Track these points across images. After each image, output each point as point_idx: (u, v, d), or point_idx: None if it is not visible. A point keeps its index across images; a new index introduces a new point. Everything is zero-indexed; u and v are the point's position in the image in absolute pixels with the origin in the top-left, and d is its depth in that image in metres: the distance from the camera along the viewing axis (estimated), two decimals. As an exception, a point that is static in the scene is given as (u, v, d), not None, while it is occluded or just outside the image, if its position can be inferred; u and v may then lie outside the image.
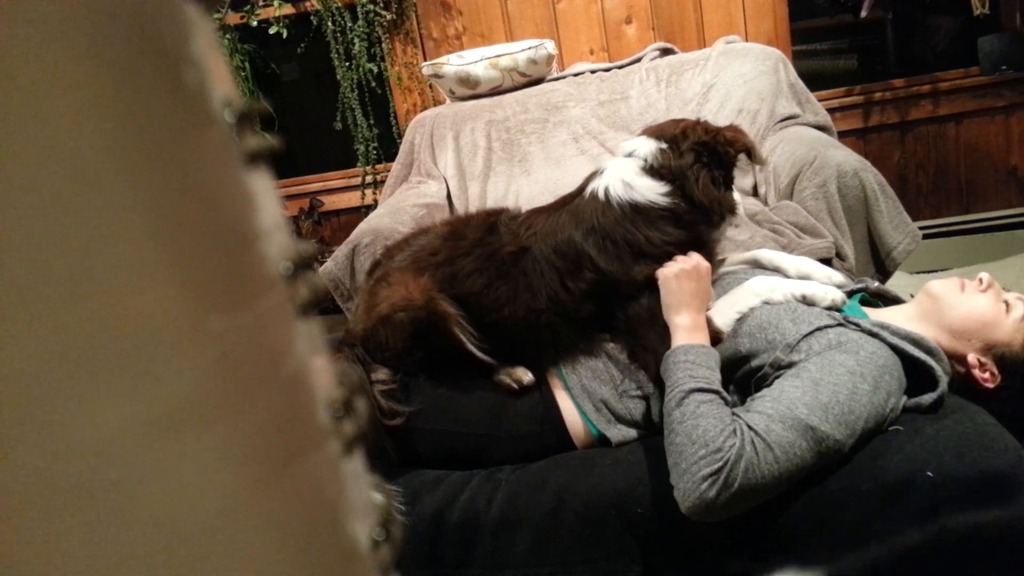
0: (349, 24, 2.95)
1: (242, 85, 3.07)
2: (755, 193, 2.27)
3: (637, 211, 1.27)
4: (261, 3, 3.02)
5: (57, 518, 0.17)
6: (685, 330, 1.19)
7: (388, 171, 2.76)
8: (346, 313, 2.01)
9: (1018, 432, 1.09)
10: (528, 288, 1.29)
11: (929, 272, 2.81)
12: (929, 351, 1.17)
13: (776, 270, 1.40)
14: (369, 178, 3.12)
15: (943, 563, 1.03)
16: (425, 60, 2.91)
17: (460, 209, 2.45)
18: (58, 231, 0.17)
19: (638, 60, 2.70)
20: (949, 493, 1.03)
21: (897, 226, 1.88)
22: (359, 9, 2.93)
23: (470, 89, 2.67)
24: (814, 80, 2.66)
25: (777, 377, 1.13)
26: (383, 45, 3.00)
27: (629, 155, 1.34)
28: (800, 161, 1.96)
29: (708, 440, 1.01)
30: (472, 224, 1.38)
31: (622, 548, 1.12)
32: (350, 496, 0.24)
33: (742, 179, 2.25)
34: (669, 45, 2.76)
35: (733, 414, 1.06)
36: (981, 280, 1.25)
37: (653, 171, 1.30)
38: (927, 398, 1.15)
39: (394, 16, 2.99)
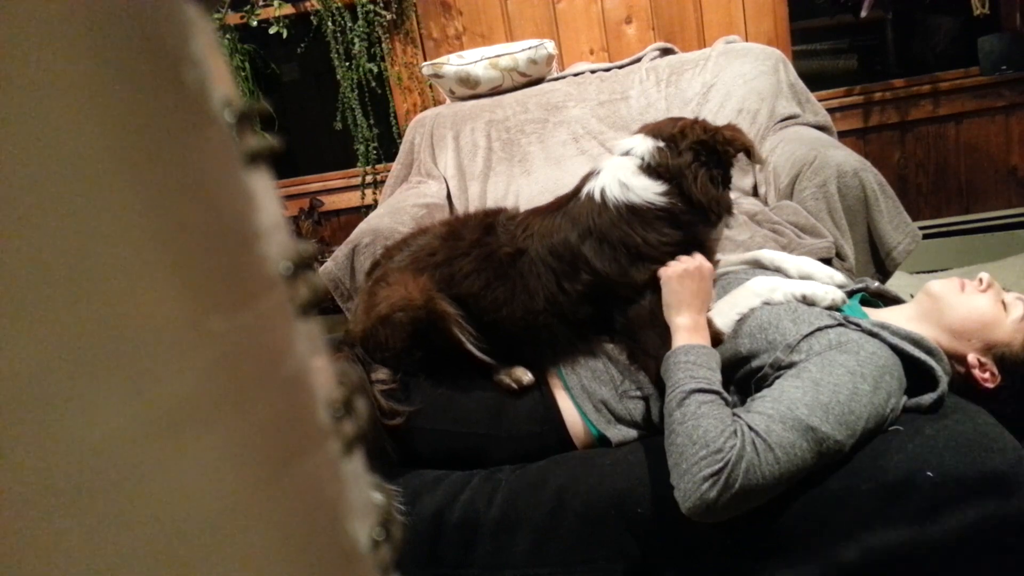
0: (349, 24, 2.95)
1: (242, 85, 3.07)
2: (755, 193, 2.27)
3: (633, 212, 1.27)
4: (261, 3, 3.02)
5: (57, 518, 0.17)
6: (686, 330, 1.18)
7: (388, 171, 2.76)
8: (346, 313, 2.02)
9: (1018, 432, 1.09)
10: (525, 289, 1.29)
11: (929, 272, 2.81)
12: (929, 351, 1.17)
13: (777, 270, 1.40)
14: (369, 178, 3.12)
15: (943, 563, 1.03)
16: (425, 60, 2.91)
17: (460, 209, 2.45)
18: (58, 231, 0.17)
19: (638, 60, 2.70)
20: (949, 493, 1.03)
21: (897, 226, 1.88)
22: (359, 9, 2.93)
23: (470, 89, 2.67)
24: (814, 80, 2.66)
25: (777, 377, 1.13)
26: (383, 45, 3.00)
27: (626, 153, 1.33)
28: (800, 161, 1.96)
29: (709, 441, 1.01)
30: (470, 225, 1.38)
31: (622, 548, 1.12)
32: (350, 496, 0.24)
33: (742, 179, 2.26)
34: (669, 45, 2.76)
35: (734, 415, 1.06)
36: (981, 280, 1.25)
37: (650, 170, 1.29)
38: (927, 398, 1.15)
39: (394, 16, 2.99)
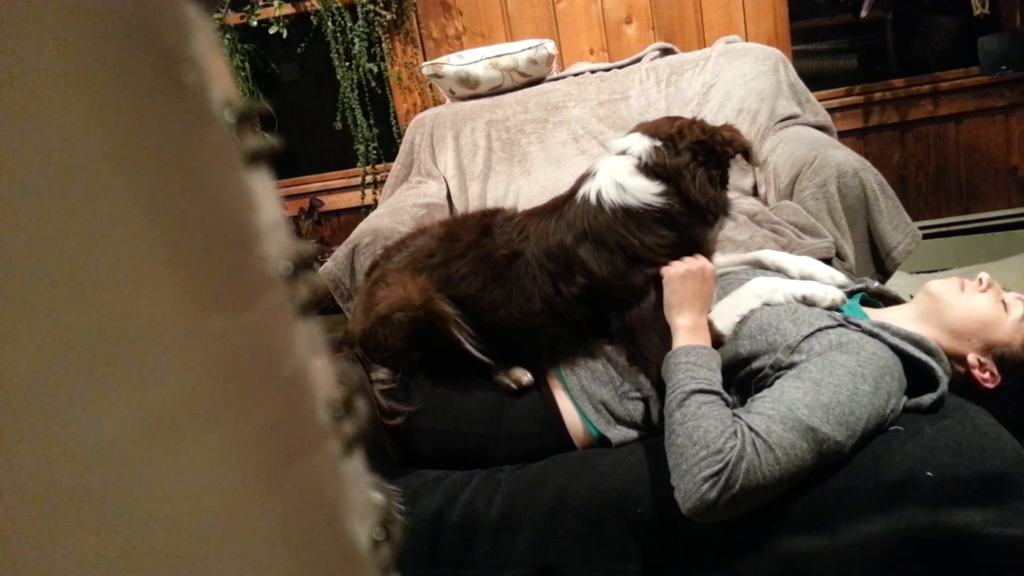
0: (349, 24, 2.95)
1: (242, 85, 3.07)
2: (755, 193, 2.27)
3: (629, 215, 1.26)
4: (261, 3, 3.02)
5: (57, 518, 0.17)
6: (686, 331, 1.18)
7: (388, 171, 2.76)
8: (346, 313, 2.02)
9: (1018, 432, 1.09)
10: (522, 291, 1.29)
11: (929, 272, 2.81)
12: (929, 351, 1.17)
13: (779, 271, 1.39)
14: (369, 178, 3.12)
15: (943, 563, 1.03)
16: (425, 60, 2.91)
17: (460, 209, 2.45)
18: (58, 231, 0.17)
19: (638, 60, 2.70)
20: (949, 493, 1.03)
21: (897, 226, 1.88)
22: (359, 9, 2.93)
23: (470, 89, 2.67)
24: (814, 80, 2.66)
25: (778, 378, 1.13)
26: (383, 45, 3.00)
27: (622, 153, 1.33)
28: (800, 161, 1.96)
29: (709, 441, 1.01)
30: (467, 226, 1.38)
31: (622, 548, 1.12)
32: (350, 496, 0.24)
33: (742, 179, 2.26)
34: (669, 45, 2.76)
35: (734, 415, 1.06)
36: (981, 280, 1.25)
37: (647, 169, 1.29)
38: (927, 398, 1.15)
39: (394, 16, 2.99)
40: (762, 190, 2.22)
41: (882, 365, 1.10)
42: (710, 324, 1.23)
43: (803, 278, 1.34)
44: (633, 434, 1.27)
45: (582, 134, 2.49)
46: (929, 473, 1.04)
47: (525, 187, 2.44)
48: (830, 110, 2.59)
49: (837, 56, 3.46)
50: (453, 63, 2.64)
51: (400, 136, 2.94)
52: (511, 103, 2.60)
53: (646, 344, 1.25)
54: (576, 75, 2.69)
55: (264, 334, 0.21)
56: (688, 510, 1.00)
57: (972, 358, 1.22)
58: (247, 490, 0.20)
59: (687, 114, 2.34)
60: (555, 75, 2.75)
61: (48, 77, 0.17)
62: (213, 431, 0.19)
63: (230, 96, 0.22)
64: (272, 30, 2.99)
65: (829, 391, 1.05)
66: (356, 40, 2.95)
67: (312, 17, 3.00)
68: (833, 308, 1.25)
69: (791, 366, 1.13)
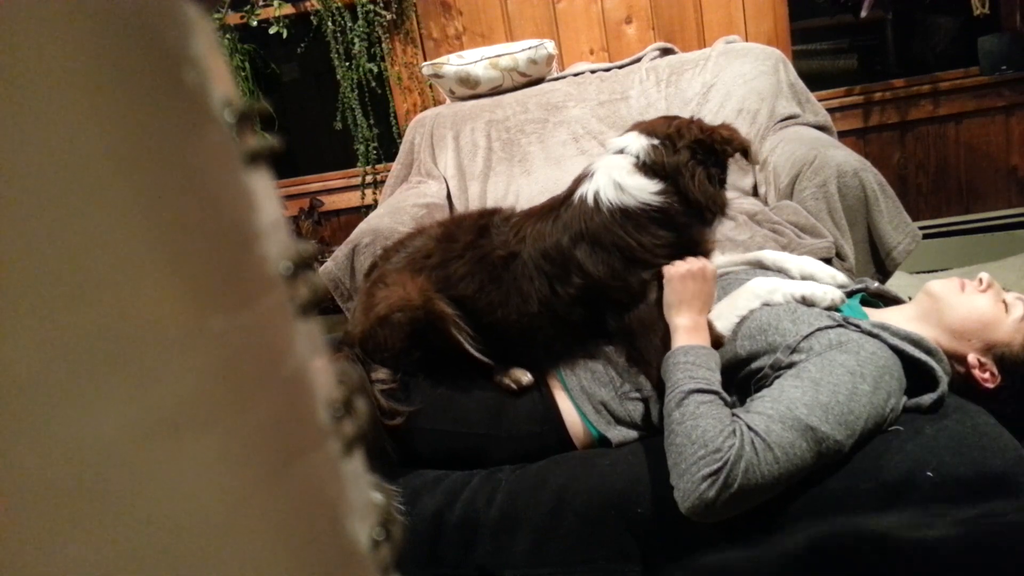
0: (349, 24, 2.95)
1: (242, 85, 3.07)
2: (755, 193, 2.27)
3: (627, 216, 1.25)
4: (261, 3, 3.02)
5: (58, 518, 0.17)
6: (685, 331, 1.18)
7: (388, 171, 2.76)
8: (346, 313, 2.02)
9: (1018, 432, 1.09)
10: (519, 292, 1.29)
11: (929, 272, 2.81)
12: (929, 351, 1.17)
13: (780, 271, 1.39)
14: (369, 178, 3.12)
15: (943, 563, 1.03)
16: (425, 60, 2.91)
17: (460, 209, 2.45)
18: (58, 231, 0.17)
19: (638, 60, 2.70)
20: (949, 493, 1.03)
21: (897, 226, 1.88)
22: (359, 9, 2.93)
23: (470, 89, 2.67)
24: (814, 80, 2.66)
25: (777, 378, 1.13)
26: (383, 45, 3.00)
27: (620, 152, 1.32)
28: (800, 161, 1.96)
29: (707, 440, 1.01)
30: (464, 226, 1.38)
31: (622, 548, 1.12)
32: (350, 496, 0.24)
33: (742, 179, 2.26)
34: (669, 45, 2.76)
35: (733, 415, 1.06)
36: (981, 280, 1.25)
37: (646, 168, 1.28)
38: (927, 398, 1.15)
39: (394, 16, 2.99)
40: (762, 190, 2.22)
41: (881, 365, 1.11)
42: (710, 325, 1.23)
43: (804, 278, 1.34)
44: (633, 434, 1.27)
45: (582, 134, 2.49)
46: (929, 473, 1.04)
47: (525, 187, 2.44)
48: (830, 110, 2.59)
49: (837, 56, 3.46)
50: (453, 63, 2.64)
51: (400, 136, 2.94)
52: (511, 103, 2.60)
53: (646, 345, 1.25)
54: (576, 75, 2.69)
55: (264, 334, 0.21)
56: (687, 509, 1.00)
57: (972, 358, 1.22)
58: (247, 490, 0.20)
59: (687, 114, 2.34)
60: (555, 75, 2.75)
61: (48, 77, 0.17)
62: (213, 431, 0.19)
63: (230, 96, 0.22)
64: (272, 30, 2.99)
65: (828, 390, 1.05)
66: (356, 40, 2.95)
67: (312, 17, 3.00)
68: (832, 308, 1.25)
69: (790, 366, 1.13)
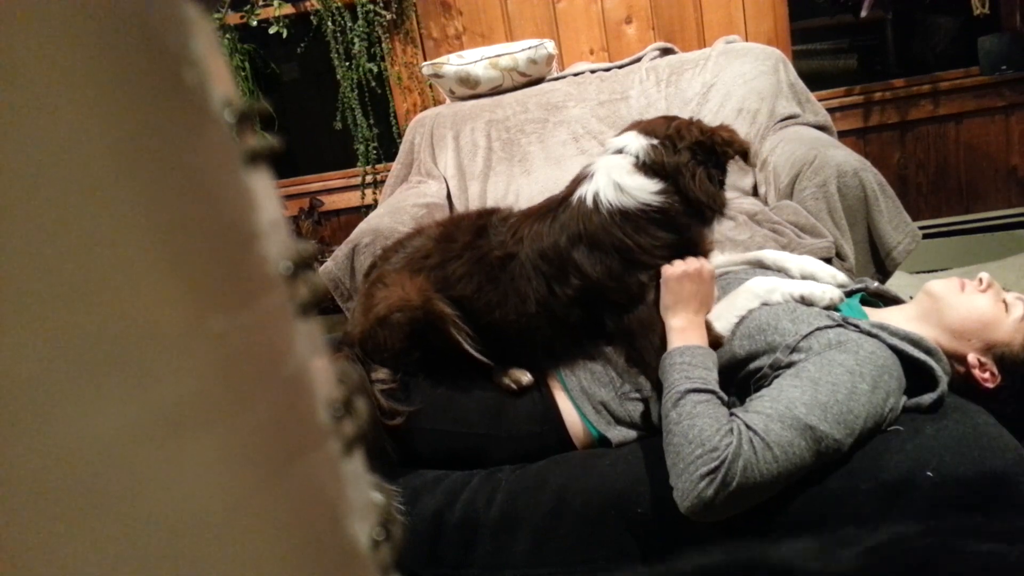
0: (349, 24, 2.95)
1: (242, 85, 3.07)
2: (755, 193, 2.27)
3: (626, 217, 1.25)
4: (261, 3, 3.02)
5: (58, 518, 0.17)
6: (680, 331, 1.19)
7: (388, 171, 2.76)
8: (346, 313, 2.02)
9: (1018, 432, 1.09)
10: (517, 293, 1.28)
11: (929, 272, 2.81)
12: (928, 351, 1.17)
13: (780, 270, 1.39)
14: (369, 178, 3.12)
15: (942, 563, 1.03)
16: (425, 60, 2.91)
17: (460, 209, 2.45)
18: (59, 231, 0.17)
19: (638, 60, 2.70)
20: (949, 493, 1.03)
21: (897, 226, 1.88)
22: (359, 9, 2.93)
23: (470, 89, 2.67)
24: (814, 80, 2.66)
25: (776, 377, 1.13)
26: (383, 45, 3.00)
27: (619, 151, 1.32)
28: (800, 161, 1.96)
29: (704, 439, 1.01)
30: (463, 226, 1.38)
31: (622, 548, 1.12)
32: (350, 496, 0.24)
33: (742, 179, 2.26)
34: (669, 45, 2.76)
35: (731, 414, 1.06)
36: (981, 280, 1.25)
37: (646, 168, 1.28)
38: (927, 398, 1.15)
39: (394, 16, 2.99)
40: (762, 190, 2.22)
41: (880, 364, 1.11)
42: (709, 326, 1.23)
43: (804, 278, 1.34)
44: (633, 434, 1.27)
45: (582, 134, 2.49)
46: (929, 473, 1.04)
47: (525, 187, 2.44)
48: (830, 110, 2.59)
49: (837, 56, 3.46)
50: (453, 63, 2.64)
51: (400, 136, 2.94)
52: (511, 103, 2.60)
53: (645, 346, 1.25)
54: (576, 75, 2.70)
55: (264, 334, 0.21)
56: (686, 509, 1.00)
57: (972, 358, 1.22)
58: (247, 490, 0.20)
59: (687, 114, 2.34)
60: (555, 75, 2.75)
61: (48, 77, 0.17)
62: (213, 431, 0.19)
63: (230, 96, 0.22)
64: (272, 30, 2.99)
65: (827, 390, 1.05)
66: (356, 40, 2.95)
67: (312, 17, 3.00)
68: (831, 307, 1.25)
69: (789, 365, 1.13)
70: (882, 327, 1.18)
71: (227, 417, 0.19)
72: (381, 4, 2.95)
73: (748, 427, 1.02)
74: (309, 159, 3.63)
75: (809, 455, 1.02)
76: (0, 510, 0.16)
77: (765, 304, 1.25)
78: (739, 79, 2.40)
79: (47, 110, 0.17)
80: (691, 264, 1.23)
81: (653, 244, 1.25)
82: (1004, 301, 1.24)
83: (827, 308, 1.24)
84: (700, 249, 1.29)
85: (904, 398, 1.15)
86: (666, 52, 2.71)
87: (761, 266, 1.44)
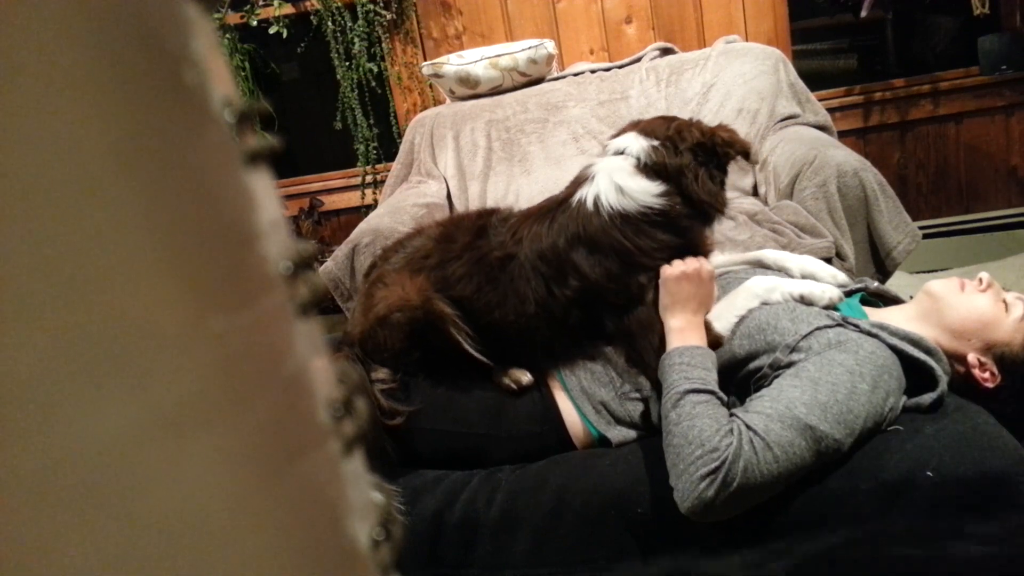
0: (349, 24, 2.95)
1: (242, 85, 3.07)
2: (755, 193, 2.27)
3: (627, 220, 1.25)
4: (261, 3, 3.02)
5: (58, 518, 0.17)
6: (679, 332, 1.19)
7: (388, 171, 2.76)
8: (346, 313, 2.02)
9: (1018, 432, 1.09)
10: (516, 293, 1.28)
11: (929, 272, 2.81)
12: (928, 351, 1.17)
13: (781, 270, 1.39)
14: (369, 178, 3.12)
15: (942, 563, 1.03)
16: (425, 60, 2.91)
17: (460, 208, 2.45)
18: (58, 231, 0.17)
19: (638, 60, 2.70)
20: (949, 493, 1.03)
21: (897, 226, 1.88)
22: (359, 9, 2.93)
23: (470, 89, 2.67)
24: (814, 80, 2.66)
25: (776, 377, 1.13)
26: (383, 45, 3.00)
27: (620, 153, 1.32)
28: (800, 161, 1.96)
29: (704, 440, 1.01)
30: (463, 227, 1.37)
31: (622, 548, 1.12)
32: (350, 496, 0.24)
33: (742, 179, 2.26)
34: (669, 45, 2.76)
35: (731, 414, 1.06)
36: (981, 280, 1.25)
37: (647, 169, 1.28)
38: (927, 398, 1.15)
39: (394, 16, 2.99)
40: (762, 190, 2.22)
41: (880, 364, 1.11)
42: (709, 326, 1.23)
43: (805, 277, 1.34)
44: (633, 434, 1.27)
45: (582, 134, 2.49)
46: (929, 473, 1.04)
47: (525, 187, 2.44)
48: (830, 110, 2.59)
49: (837, 56, 3.46)
50: (453, 63, 2.64)
51: (400, 136, 2.94)
52: (511, 103, 2.60)
53: (645, 346, 1.25)
54: (576, 75, 2.69)
55: (264, 334, 0.21)
56: (687, 509, 1.00)
57: (972, 358, 1.22)
58: (247, 490, 0.20)
59: (687, 113, 2.34)
60: (555, 75, 2.75)
61: (48, 77, 0.17)
62: (213, 431, 0.19)
63: (230, 96, 0.22)
64: (272, 30, 2.99)
65: (827, 389, 1.05)
66: (356, 40, 2.95)
67: (312, 17, 3.00)
68: (830, 307, 1.25)
69: (789, 365, 1.13)
70: (882, 327, 1.18)
71: (227, 417, 0.19)
72: (381, 4, 2.95)
73: (748, 427, 1.02)
74: (309, 159, 3.63)
75: (809, 455, 1.02)
76: (0, 510, 0.16)
77: (765, 303, 1.25)
78: (739, 79, 2.40)
79: (47, 110, 0.17)
80: (690, 264, 1.23)
81: (653, 246, 1.25)
82: (1004, 301, 1.24)
83: (826, 307, 1.24)
84: (700, 250, 1.29)
85: (904, 398, 1.15)
86: (666, 52, 2.71)
87: (762, 266, 1.44)
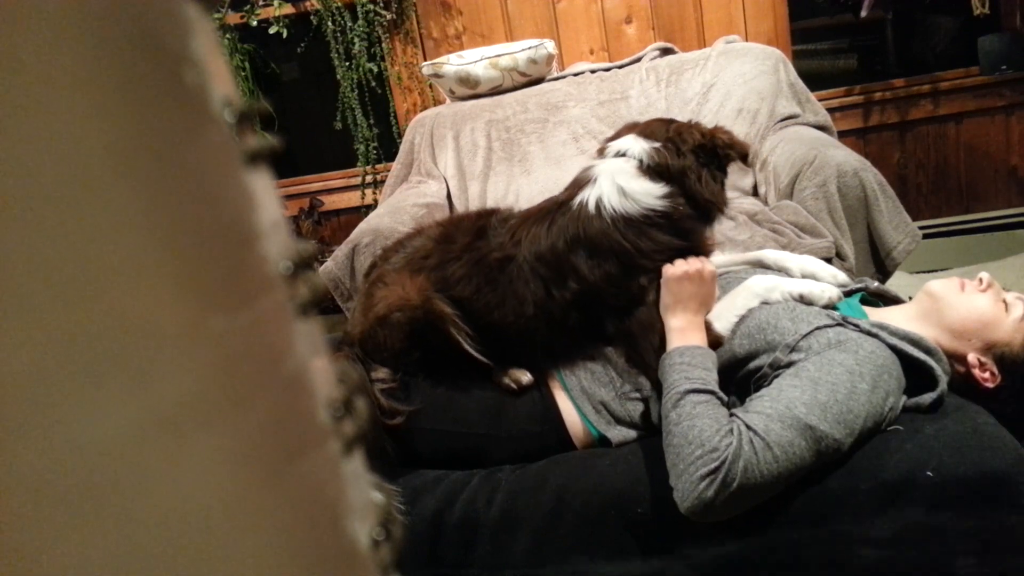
0: (349, 24, 2.95)
1: (242, 85, 3.07)
2: (755, 193, 2.27)
3: (628, 223, 1.25)
4: (261, 3, 3.02)
5: (58, 518, 0.17)
6: (679, 332, 1.19)
7: (388, 171, 2.76)
8: (346, 313, 2.02)
9: (1018, 432, 1.09)
10: (515, 295, 1.28)
11: (929, 272, 2.81)
12: (928, 351, 1.17)
13: (781, 270, 1.39)
14: (369, 178, 3.12)
15: (942, 563, 1.03)
16: (425, 60, 2.91)
17: (460, 208, 2.45)
18: (59, 231, 0.17)
19: (638, 60, 2.70)
20: (949, 493, 1.03)
21: (897, 226, 1.88)
22: (359, 9, 2.93)
23: (470, 89, 2.67)
24: (814, 80, 2.66)
25: (776, 377, 1.13)
26: (383, 45, 3.00)
27: (620, 155, 1.32)
28: (800, 161, 1.96)
29: (704, 440, 1.01)
30: (462, 227, 1.37)
31: (622, 548, 1.12)
32: (350, 496, 0.24)
33: (742, 179, 2.26)
34: (669, 45, 2.77)
35: (731, 414, 1.06)
36: (981, 280, 1.25)
37: (650, 171, 1.28)
38: (927, 398, 1.15)
39: (394, 16, 2.99)
40: (762, 190, 2.22)
41: (880, 364, 1.11)
42: (709, 325, 1.23)
43: (805, 277, 1.34)
44: (633, 434, 1.27)
45: (582, 134, 2.49)
46: (929, 473, 1.04)
47: (525, 187, 2.44)
48: (830, 110, 2.59)
49: (837, 56, 3.46)
50: (453, 63, 2.64)
51: (400, 136, 2.94)
52: (511, 103, 2.60)
53: (645, 347, 1.25)
54: (576, 75, 2.69)
55: (264, 334, 0.21)
56: (687, 509, 1.00)
57: (972, 358, 1.22)
58: (247, 490, 0.20)
59: (687, 114, 2.35)
60: (555, 75, 2.75)
61: (48, 77, 0.17)
62: (213, 431, 0.19)
63: (230, 96, 0.22)
64: (272, 30, 2.99)
65: (827, 389, 1.05)
66: (356, 40, 2.95)
67: (312, 17, 3.00)
68: (830, 306, 1.25)
69: (789, 365, 1.13)
70: (882, 327, 1.18)
71: (227, 417, 0.19)
72: (381, 4, 2.95)
73: (748, 427, 1.02)
74: (309, 159, 3.63)
75: (809, 455, 1.02)
76: (0, 510, 0.16)
77: (764, 303, 1.25)
78: (739, 79, 2.40)
79: (47, 110, 0.17)
80: (692, 264, 1.23)
81: (654, 248, 1.25)
82: (1004, 301, 1.24)
83: (826, 307, 1.24)
84: (701, 250, 1.29)
85: (904, 398, 1.15)
86: (666, 52, 2.71)
87: (762, 266, 1.44)
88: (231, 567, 0.19)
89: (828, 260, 1.72)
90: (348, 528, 0.23)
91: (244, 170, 0.22)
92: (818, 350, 1.12)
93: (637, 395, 1.28)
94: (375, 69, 3.00)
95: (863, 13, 2.70)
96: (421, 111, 2.87)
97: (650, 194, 1.26)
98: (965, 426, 1.10)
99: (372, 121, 3.05)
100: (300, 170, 3.36)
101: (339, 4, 2.95)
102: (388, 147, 3.06)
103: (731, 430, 1.01)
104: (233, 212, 0.21)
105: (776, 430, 1.01)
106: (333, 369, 0.25)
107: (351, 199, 3.18)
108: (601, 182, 1.29)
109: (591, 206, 1.27)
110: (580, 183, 1.33)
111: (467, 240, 1.34)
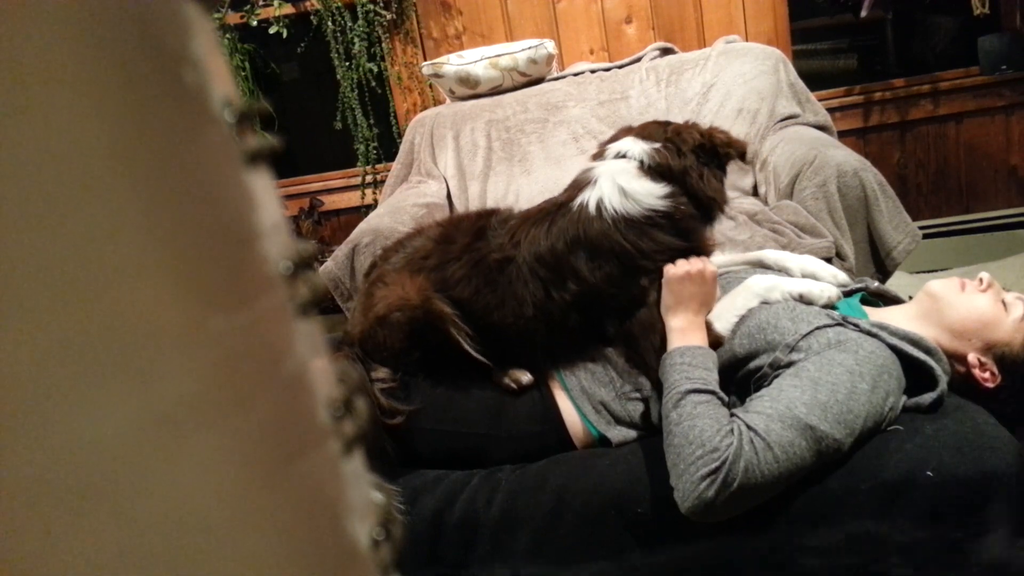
0: (349, 24, 2.95)
1: (242, 85, 3.07)
2: (755, 193, 2.27)
3: (629, 224, 1.25)
4: (261, 3, 3.02)
5: (58, 518, 0.17)
6: (680, 332, 1.19)
7: (388, 171, 2.76)
8: (346, 313, 2.02)
9: (1018, 432, 1.09)
10: (514, 296, 1.28)
11: (929, 272, 2.80)
12: (928, 351, 1.17)
13: (782, 270, 1.39)
14: (369, 178, 3.12)
15: (942, 563, 1.03)
16: (425, 60, 2.91)
17: (460, 208, 2.45)
18: (59, 231, 0.17)
19: (638, 60, 2.70)
20: (949, 492, 1.03)
21: (897, 226, 1.88)
22: (359, 9, 2.93)
23: (470, 89, 2.67)
24: (814, 80, 2.66)
25: (776, 377, 1.13)
26: (383, 45, 3.00)
27: (621, 156, 1.32)
28: (800, 161, 1.96)
29: (705, 440, 1.01)
30: (462, 228, 1.37)
31: (622, 548, 1.12)
32: (350, 496, 0.24)
33: (742, 179, 2.26)
34: (669, 45, 2.76)
35: (732, 414, 1.06)
36: (981, 280, 1.25)
37: (651, 171, 1.29)
38: (927, 398, 1.15)
39: (394, 16, 2.99)
40: (762, 190, 2.22)
41: (880, 364, 1.11)
42: (709, 325, 1.23)
43: (806, 277, 1.34)
44: (633, 434, 1.27)
45: (582, 134, 2.49)
46: (929, 473, 1.04)
47: (525, 187, 2.44)
48: (830, 110, 2.59)
49: (837, 56, 3.46)
50: (453, 63, 2.64)
51: (400, 136, 2.94)
52: (511, 103, 2.60)
53: (646, 347, 1.25)
54: (576, 75, 2.69)
55: (264, 334, 0.21)
56: (687, 509, 1.00)
57: (972, 358, 1.22)
58: (247, 489, 0.20)
59: (687, 114, 2.35)
60: (555, 75, 2.75)
61: (48, 77, 0.17)
62: (213, 430, 0.19)
63: (230, 96, 0.22)
64: (272, 30, 2.99)
65: (827, 389, 1.05)
66: (356, 40, 2.95)
67: (312, 17, 3.00)
68: (829, 305, 1.25)
69: (789, 365, 1.13)
70: (882, 327, 1.18)
71: (227, 417, 0.19)
72: (381, 4, 2.95)
73: (749, 427, 1.02)
74: (309, 159, 3.63)
75: (810, 455, 1.02)
76: (0, 510, 0.16)
77: (764, 303, 1.25)
78: (739, 79, 2.40)
79: (47, 110, 0.17)
80: (694, 264, 1.23)
81: (655, 248, 1.25)
82: (1004, 301, 1.24)
83: (825, 307, 1.24)
84: (702, 250, 1.29)
85: (904, 398, 1.15)
86: (666, 52, 2.71)
87: (762, 266, 1.44)
88: (231, 567, 0.19)
89: (828, 260, 1.72)
90: (348, 528, 0.23)
91: (244, 170, 0.22)
92: (818, 350, 1.12)
93: (637, 395, 1.28)
94: (375, 69, 3.00)
95: (863, 13, 2.70)
96: (421, 111, 2.87)
97: (652, 194, 1.26)
98: (965, 426, 1.10)
99: (372, 121, 3.05)
100: (300, 170, 3.36)
101: (339, 4, 2.95)
102: (388, 147, 3.06)
103: (732, 430, 1.01)
104: (233, 212, 0.21)
105: (777, 430, 1.01)
106: (333, 369, 0.25)
107: (351, 199, 3.18)
108: (602, 183, 1.28)
109: (591, 207, 1.27)
110: (580, 185, 1.33)
111: (467, 241, 1.33)
